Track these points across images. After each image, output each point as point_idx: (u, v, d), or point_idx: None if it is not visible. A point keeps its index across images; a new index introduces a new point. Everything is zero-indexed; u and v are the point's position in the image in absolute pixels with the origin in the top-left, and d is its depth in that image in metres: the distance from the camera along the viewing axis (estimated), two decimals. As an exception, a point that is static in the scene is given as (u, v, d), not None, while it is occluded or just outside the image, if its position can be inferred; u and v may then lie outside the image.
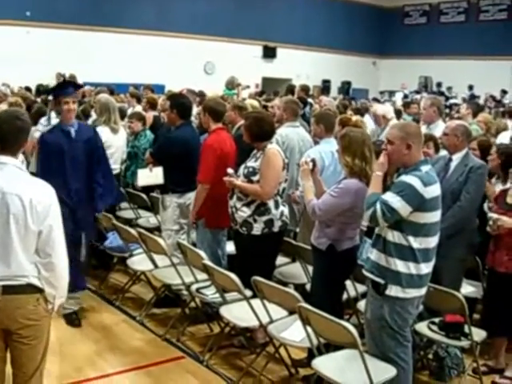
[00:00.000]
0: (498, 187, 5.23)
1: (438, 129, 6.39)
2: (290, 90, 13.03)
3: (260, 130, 5.08)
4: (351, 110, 10.24)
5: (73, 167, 5.44)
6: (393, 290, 3.83)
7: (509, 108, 12.19)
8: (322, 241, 4.55)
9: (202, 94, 11.31)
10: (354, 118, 6.73)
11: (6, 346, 3.27)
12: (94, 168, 5.60)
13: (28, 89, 12.45)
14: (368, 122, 8.46)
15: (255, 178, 5.01)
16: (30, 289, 3.19)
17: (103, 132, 6.81)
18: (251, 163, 5.11)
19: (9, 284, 3.13)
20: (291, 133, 6.44)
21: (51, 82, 14.99)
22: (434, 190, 3.80)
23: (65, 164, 5.41)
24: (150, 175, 6.51)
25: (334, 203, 4.40)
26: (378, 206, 3.75)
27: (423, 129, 6.29)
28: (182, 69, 18.82)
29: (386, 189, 3.89)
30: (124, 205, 7.81)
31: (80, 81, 13.87)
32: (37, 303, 3.21)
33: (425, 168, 3.84)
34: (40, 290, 3.22)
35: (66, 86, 5.76)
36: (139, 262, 5.86)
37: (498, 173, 5.52)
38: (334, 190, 4.46)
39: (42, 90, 12.51)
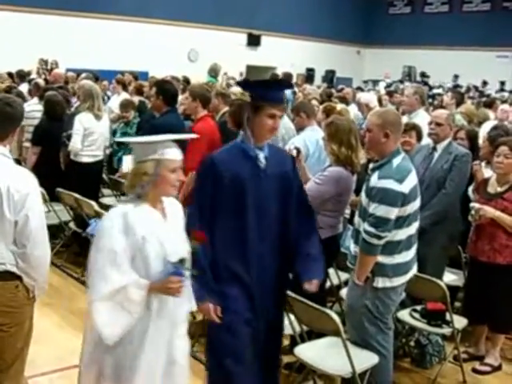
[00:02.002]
0: (488, 173, 5.23)
1: (419, 117, 6.42)
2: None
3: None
4: (336, 97, 10.22)
5: (258, 218, 3.32)
6: (380, 282, 3.83)
7: (490, 99, 12.24)
8: (305, 229, 4.54)
9: (186, 81, 11.23)
10: (339, 106, 6.74)
11: None
12: (296, 224, 3.48)
13: (10, 74, 12.26)
14: (352, 109, 8.47)
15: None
16: (8, 276, 3.10)
17: (87, 118, 6.80)
18: (235, 151, 5.04)
19: None
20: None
21: (33, 68, 14.85)
22: (410, 182, 3.75)
23: (245, 212, 3.30)
24: None
25: (318, 190, 4.39)
26: (366, 225, 3.72)
27: (404, 118, 6.31)
28: (166, 56, 18.67)
29: (363, 180, 3.86)
30: (107, 191, 7.77)
31: (62, 67, 13.74)
32: (16, 290, 3.13)
33: (396, 160, 3.78)
34: (19, 278, 3.14)
35: (276, 87, 3.55)
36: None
37: (489, 159, 5.51)
38: (319, 177, 4.46)
39: (22, 74, 12.31)
